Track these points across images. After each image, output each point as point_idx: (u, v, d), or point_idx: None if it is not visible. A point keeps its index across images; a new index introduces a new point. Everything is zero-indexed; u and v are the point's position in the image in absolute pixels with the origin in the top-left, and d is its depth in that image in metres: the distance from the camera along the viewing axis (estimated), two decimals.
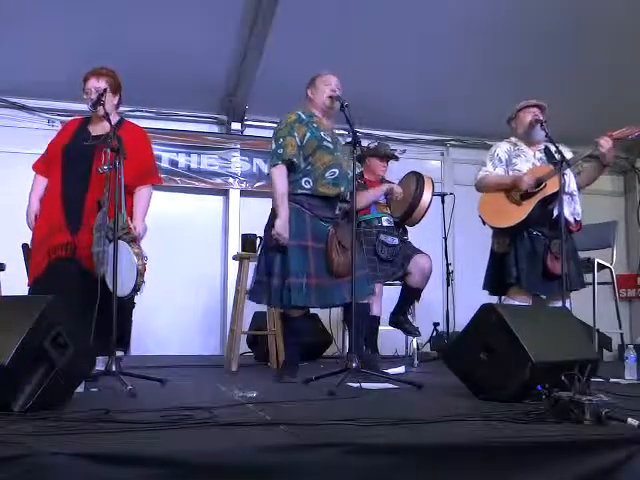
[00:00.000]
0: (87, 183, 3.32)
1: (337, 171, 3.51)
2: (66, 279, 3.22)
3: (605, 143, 3.65)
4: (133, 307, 3.53)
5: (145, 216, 3.49)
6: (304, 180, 3.49)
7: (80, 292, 3.13)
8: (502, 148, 3.97)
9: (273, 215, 3.48)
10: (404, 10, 5.03)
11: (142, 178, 3.49)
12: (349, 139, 3.44)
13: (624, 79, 5.75)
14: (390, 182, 4.58)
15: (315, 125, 3.55)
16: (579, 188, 3.89)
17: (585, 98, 5.84)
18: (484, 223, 3.94)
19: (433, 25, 5.19)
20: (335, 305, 3.71)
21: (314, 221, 3.48)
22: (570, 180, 3.79)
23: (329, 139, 3.55)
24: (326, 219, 3.51)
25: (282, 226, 3.37)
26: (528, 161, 3.89)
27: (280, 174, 3.45)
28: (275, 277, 3.42)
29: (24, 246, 3.82)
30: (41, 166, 3.55)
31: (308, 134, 3.50)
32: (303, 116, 3.56)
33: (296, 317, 3.54)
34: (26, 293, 3.43)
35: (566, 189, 3.66)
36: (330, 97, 3.55)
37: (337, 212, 3.57)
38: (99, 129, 3.47)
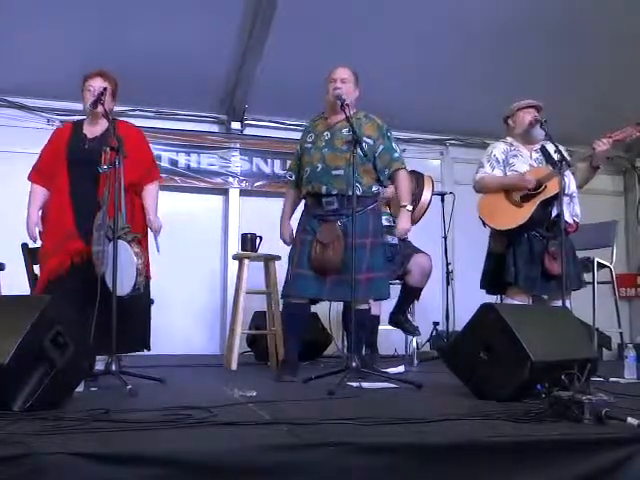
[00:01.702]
0: (96, 189, 3.30)
1: (308, 169, 3.57)
2: (83, 281, 3.22)
3: (603, 144, 3.64)
4: (152, 304, 3.57)
5: (157, 212, 3.54)
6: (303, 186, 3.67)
7: (88, 291, 3.11)
8: (499, 148, 3.96)
9: None
10: (404, 10, 5.03)
11: (147, 175, 3.51)
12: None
13: (624, 79, 5.75)
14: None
15: (310, 129, 3.70)
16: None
17: (585, 98, 5.84)
18: (484, 225, 3.93)
19: (433, 25, 5.19)
20: (313, 298, 3.69)
21: (308, 217, 3.61)
22: (570, 181, 3.79)
23: (311, 139, 3.64)
24: (317, 216, 3.55)
25: (281, 233, 3.79)
26: (525, 162, 3.88)
27: (287, 190, 3.87)
28: None
29: (24, 246, 3.82)
30: (37, 176, 3.51)
31: (301, 143, 3.72)
32: (307, 125, 3.79)
33: (293, 303, 3.54)
34: (25, 293, 3.43)
35: (566, 190, 3.65)
36: (333, 95, 3.53)
37: (328, 208, 3.51)
38: (95, 130, 3.47)
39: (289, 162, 3.97)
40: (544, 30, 5.23)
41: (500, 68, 5.53)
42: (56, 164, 3.41)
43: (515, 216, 3.78)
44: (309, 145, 3.63)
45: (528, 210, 3.74)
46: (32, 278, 3.79)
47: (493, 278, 3.93)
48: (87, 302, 3.00)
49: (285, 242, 3.80)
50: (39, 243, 3.49)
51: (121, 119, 3.73)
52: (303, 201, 3.76)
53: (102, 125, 3.45)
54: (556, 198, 3.64)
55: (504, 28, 5.21)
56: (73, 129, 3.54)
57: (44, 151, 3.55)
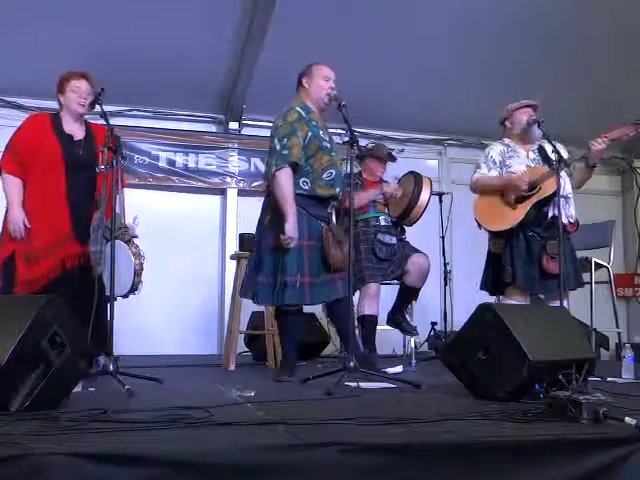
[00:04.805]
0: (93, 195, 3.32)
1: (333, 172, 3.48)
2: (75, 285, 3.22)
3: (599, 144, 3.64)
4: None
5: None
6: (302, 181, 3.44)
7: (84, 293, 3.10)
8: (495, 150, 3.97)
9: (270, 215, 3.47)
10: (403, 10, 5.04)
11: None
12: (346, 138, 3.40)
13: (624, 79, 5.75)
14: (388, 182, 4.59)
15: (314, 123, 3.49)
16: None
17: (585, 98, 5.85)
18: (480, 226, 3.94)
19: (432, 25, 5.19)
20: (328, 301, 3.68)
21: (309, 220, 3.45)
22: (565, 183, 3.79)
23: (327, 138, 3.52)
24: (320, 217, 3.49)
25: (293, 229, 3.32)
26: (522, 162, 3.88)
27: (288, 177, 3.35)
28: (266, 275, 3.42)
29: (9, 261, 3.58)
30: (15, 168, 3.40)
31: (310, 134, 3.43)
32: (304, 113, 3.47)
33: (290, 312, 3.48)
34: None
35: (561, 192, 3.64)
36: (328, 95, 3.50)
37: (329, 210, 3.54)
38: (77, 132, 3.47)
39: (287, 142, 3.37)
40: (543, 30, 5.24)
41: (499, 68, 5.54)
42: (42, 161, 3.37)
43: (509, 217, 3.78)
44: (328, 145, 3.51)
45: (522, 211, 3.75)
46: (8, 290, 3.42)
47: (493, 279, 3.93)
48: (81, 304, 2.98)
49: (292, 245, 3.32)
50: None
51: (93, 121, 3.64)
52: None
53: (82, 126, 3.51)
54: (551, 199, 3.65)
55: (503, 28, 5.21)
56: (54, 125, 3.47)
57: (20, 140, 3.45)
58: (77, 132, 3.49)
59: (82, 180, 3.35)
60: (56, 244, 3.31)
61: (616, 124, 3.69)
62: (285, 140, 3.38)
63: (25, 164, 3.40)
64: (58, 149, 3.40)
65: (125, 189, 3.52)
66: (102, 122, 3.24)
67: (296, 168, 3.39)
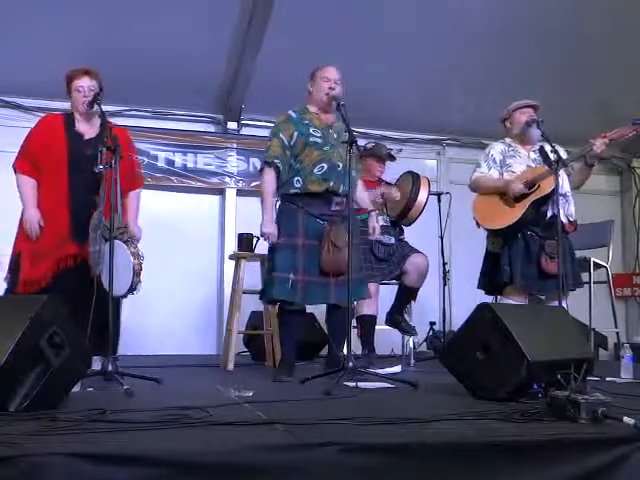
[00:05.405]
0: (94, 195, 3.31)
1: (325, 166, 3.47)
2: (73, 285, 3.22)
3: (599, 145, 3.64)
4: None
5: (138, 219, 3.53)
6: (295, 179, 3.49)
7: (82, 293, 3.10)
8: (496, 149, 3.97)
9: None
10: (403, 10, 5.04)
11: (132, 180, 3.49)
12: (345, 138, 3.41)
13: (624, 79, 5.76)
14: (388, 183, 4.59)
15: (306, 122, 3.54)
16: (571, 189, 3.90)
17: (584, 98, 5.85)
18: (478, 225, 3.95)
19: (432, 25, 5.19)
20: (319, 303, 3.70)
21: (307, 219, 3.47)
22: (564, 181, 3.79)
23: (318, 134, 3.52)
24: (322, 216, 3.48)
25: (267, 225, 3.46)
26: (522, 162, 3.89)
27: (266, 176, 3.52)
28: (266, 273, 3.55)
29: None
30: (28, 167, 3.41)
31: (296, 133, 3.51)
32: (294, 115, 3.57)
33: (292, 311, 3.49)
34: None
35: (560, 190, 3.65)
36: (327, 94, 3.50)
37: (334, 208, 3.50)
38: (89, 131, 3.45)
39: (269, 143, 3.56)
40: (543, 30, 5.24)
41: (498, 68, 5.54)
42: (51, 161, 3.37)
43: (507, 216, 3.79)
44: (318, 140, 3.50)
45: (519, 210, 3.76)
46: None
47: (490, 278, 3.93)
48: (80, 304, 2.98)
49: (272, 240, 3.45)
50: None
51: (109, 120, 3.64)
52: (284, 197, 3.54)
53: (95, 125, 3.47)
54: (549, 198, 3.65)
55: (502, 28, 5.21)
56: (66, 125, 3.46)
57: (33, 141, 3.45)
58: (89, 131, 3.46)
59: (86, 180, 3.32)
60: (57, 244, 3.31)
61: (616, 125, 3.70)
62: (269, 142, 3.59)
63: (38, 164, 3.41)
64: (64, 149, 3.38)
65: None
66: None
67: (278, 168, 3.50)
